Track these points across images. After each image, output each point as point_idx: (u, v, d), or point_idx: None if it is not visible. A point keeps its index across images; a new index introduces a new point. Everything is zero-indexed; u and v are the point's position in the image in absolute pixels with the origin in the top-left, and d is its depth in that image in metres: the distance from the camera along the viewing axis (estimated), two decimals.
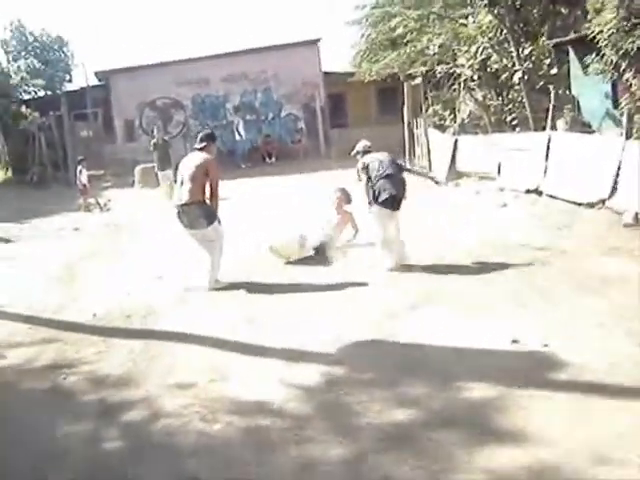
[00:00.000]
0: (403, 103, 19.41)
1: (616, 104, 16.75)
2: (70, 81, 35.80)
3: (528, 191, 12.45)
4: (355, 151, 9.08)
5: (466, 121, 15.08)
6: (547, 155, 12.10)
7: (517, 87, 13.44)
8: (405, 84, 18.61)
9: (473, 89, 14.47)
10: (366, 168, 8.49)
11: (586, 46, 15.28)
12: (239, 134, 26.29)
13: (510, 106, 13.93)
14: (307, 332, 6.39)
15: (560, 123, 13.66)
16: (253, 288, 8.18)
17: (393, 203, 8.43)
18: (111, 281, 9.22)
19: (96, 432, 4.75)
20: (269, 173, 22.59)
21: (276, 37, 63.32)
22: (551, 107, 12.60)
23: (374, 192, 8.39)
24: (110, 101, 27.26)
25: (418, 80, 19.59)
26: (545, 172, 12.12)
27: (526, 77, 12.90)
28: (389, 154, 8.84)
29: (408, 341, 6.02)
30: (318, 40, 27.39)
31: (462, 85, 15.15)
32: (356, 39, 29.63)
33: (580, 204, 10.98)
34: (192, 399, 5.11)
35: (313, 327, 6.55)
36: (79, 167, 18.04)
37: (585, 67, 15.84)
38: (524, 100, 13.26)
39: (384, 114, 27.97)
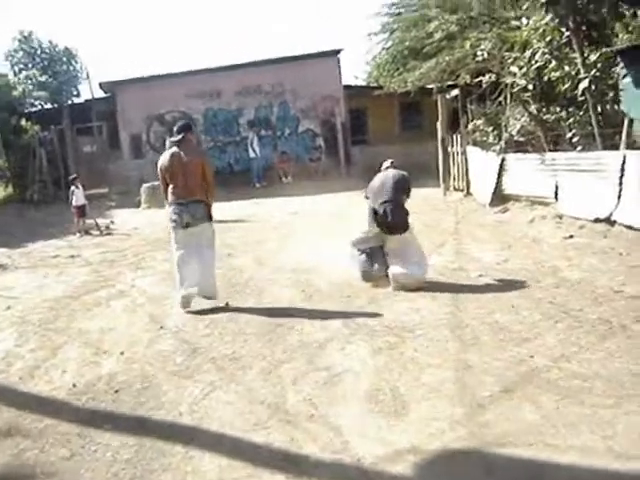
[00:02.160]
0: (437, 118, 17.57)
1: None
2: (78, 95, 34.25)
3: (597, 220, 10.50)
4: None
5: (515, 138, 13.14)
6: (621, 178, 10.16)
7: (581, 99, 11.47)
8: (439, 97, 16.77)
9: (526, 101, 12.53)
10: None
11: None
12: (253, 151, 24.32)
13: (571, 120, 11.99)
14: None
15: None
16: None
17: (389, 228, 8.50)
18: (101, 330, 7.49)
19: None
20: (286, 194, 20.78)
21: (293, 48, 61.75)
22: (626, 122, 10.69)
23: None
24: (116, 114, 25.45)
25: (455, 92, 17.81)
26: (619, 198, 10.19)
27: (593, 87, 10.96)
28: (398, 174, 8.81)
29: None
30: (339, 51, 25.60)
31: (511, 97, 13.21)
32: (376, 49, 27.97)
33: None
34: None
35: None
36: (72, 187, 16.25)
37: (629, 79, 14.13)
38: (590, 113, 11.33)
39: (407, 130, 26.31)
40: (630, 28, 15.28)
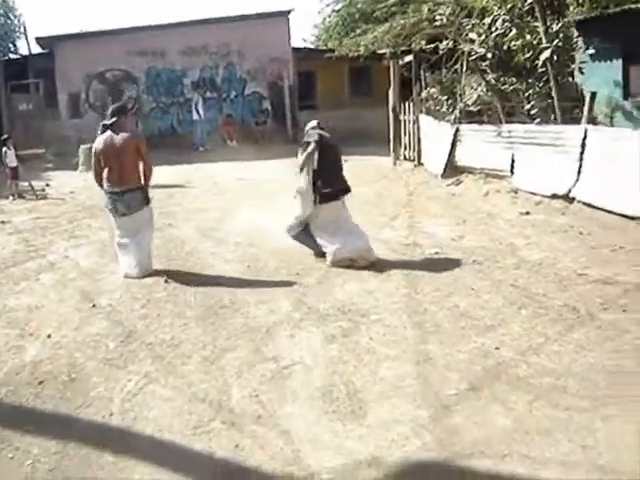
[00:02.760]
0: (388, 84, 17.04)
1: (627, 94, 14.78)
2: (16, 51, 32.72)
3: (555, 196, 10.15)
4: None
5: (471, 108, 12.68)
6: (582, 154, 9.81)
7: (541, 70, 11.03)
8: (392, 62, 16.25)
9: (484, 70, 12.04)
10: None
11: (595, 27, 13.25)
12: (197, 113, 23.39)
13: (530, 92, 11.56)
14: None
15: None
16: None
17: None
18: (28, 307, 6.89)
19: None
20: (231, 158, 20.03)
21: (242, 7, 60.24)
22: (589, 96, 10.30)
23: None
24: (54, 72, 24.20)
25: (408, 58, 17.25)
26: (579, 174, 9.85)
27: (555, 58, 10.52)
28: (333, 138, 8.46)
29: None
30: (289, 12, 24.77)
31: (467, 65, 12.71)
32: (326, 11, 27.23)
33: (633, 217, 8.74)
34: None
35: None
36: (3, 148, 15.29)
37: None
38: (550, 85, 10.91)
39: (357, 96, 25.69)
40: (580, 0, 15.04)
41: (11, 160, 15.20)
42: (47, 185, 16.66)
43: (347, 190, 8.08)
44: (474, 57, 12.04)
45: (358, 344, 5.43)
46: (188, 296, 6.92)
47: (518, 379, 4.70)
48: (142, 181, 7.70)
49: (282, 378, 4.87)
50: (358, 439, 4.01)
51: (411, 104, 15.66)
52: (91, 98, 24.44)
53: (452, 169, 13.35)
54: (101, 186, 7.81)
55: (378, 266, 7.69)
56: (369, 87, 25.76)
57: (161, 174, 17.57)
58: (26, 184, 15.66)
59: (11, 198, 14.91)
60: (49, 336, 6.00)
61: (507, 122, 11.88)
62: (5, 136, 16.16)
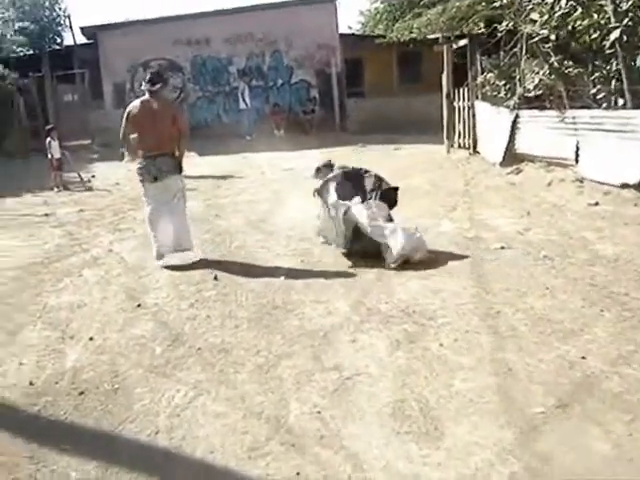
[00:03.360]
0: (438, 70, 16.44)
1: None
2: (61, 42, 32.66)
3: (625, 185, 9.47)
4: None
5: (532, 93, 12.00)
6: None
7: (609, 51, 10.32)
8: (445, 47, 15.59)
9: (547, 53, 11.35)
10: None
11: None
12: (244, 102, 23.02)
13: (596, 75, 10.84)
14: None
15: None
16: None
17: None
18: (70, 306, 6.52)
19: None
20: (278, 148, 19.60)
21: None
22: None
23: None
24: (98, 62, 24.00)
25: (463, 42, 16.57)
26: None
27: (625, 38, 9.80)
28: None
29: None
30: None
31: (527, 48, 12.02)
32: None
33: None
34: None
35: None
36: (48, 138, 15.05)
37: None
38: (619, 67, 10.20)
39: (406, 82, 25.00)
40: None
41: (55, 151, 14.94)
42: (92, 176, 16.43)
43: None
44: (536, 39, 11.33)
45: (427, 351, 4.91)
46: (239, 295, 6.47)
47: (612, 395, 4.13)
48: (176, 150, 7.59)
49: (345, 391, 4.38)
50: (437, 467, 3.50)
51: (466, 90, 15.01)
52: (136, 88, 24.13)
53: (511, 157, 12.70)
54: (129, 149, 7.84)
55: (441, 262, 7.16)
56: (419, 74, 25.10)
57: (207, 164, 17.34)
58: (73, 174, 15.44)
59: (56, 189, 14.68)
60: (91, 339, 5.61)
61: (571, 107, 11.16)
62: (49, 126, 15.93)
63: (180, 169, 7.64)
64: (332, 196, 7.59)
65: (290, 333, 5.42)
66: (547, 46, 11.41)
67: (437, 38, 19.16)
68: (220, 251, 8.28)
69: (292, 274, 7.06)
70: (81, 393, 4.59)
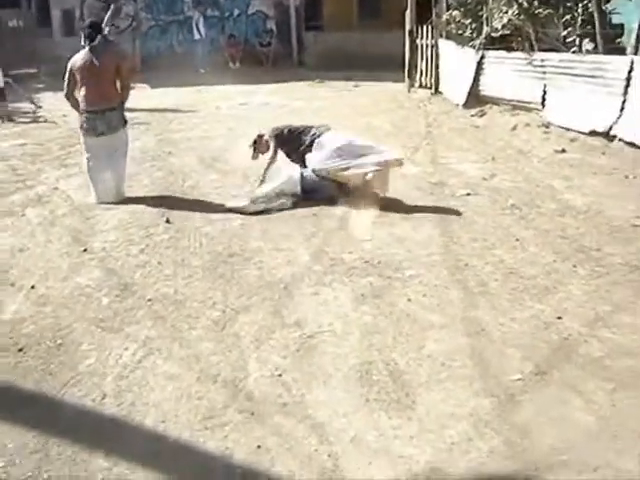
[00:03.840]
0: (399, 7, 15.91)
1: None
2: None
3: (593, 133, 9.22)
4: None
5: (499, 33, 11.61)
6: (627, 88, 8.85)
7: None
8: None
9: None
10: None
11: None
12: (198, 32, 22.17)
13: (567, 17, 10.48)
14: None
15: (586, 42, 10.44)
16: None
17: None
18: (11, 250, 6.07)
19: None
20: (233, 81, 18.93)
21: None
22: (636, 24, 9.25)
23: None
24: None
25: None
26: (622, 110, 8.90)
27: None
28: None
29: None
30: None
31: None
32: None
33: None
34: None
35: None
36: None
37: None
38: (592, 10, 9.84)
39: (366, 18, 24.22)
40: None
41: None
42: (39, 107, 15.59)
43: None
44: None
45: (395, 307, 4.62)
46: (192, 241, 6.09)
47: (592, 360, 3.90)
48: (121, 101, 7.44)
49: (308, 351, 4.07)
50: (409, 441, 3.22)
51: (430, 28, 14.52)
52: (86, 15, 22.99)
53: (475, 99, 12.37)
54: (73, 105, 7.46)
55: (405, 208, 6.86)
56: (379, 9, 24.37)
57: (160, 97, 16.68)
58: (17, 105, 14.67)
59: None
60: (33, 287, 5.19)
61: (539, 50, 10.82)
62: None
63: (125, 121, 7.53)
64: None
65: (248, 284, 5.07)
66: None
67: None
68: (172, 191, 7.85)
69: (249, 219, 6.68)
70: (20, 350, 4.20)
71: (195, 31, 22.23)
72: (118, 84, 7.38)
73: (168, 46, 23.65)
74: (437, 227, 6.29)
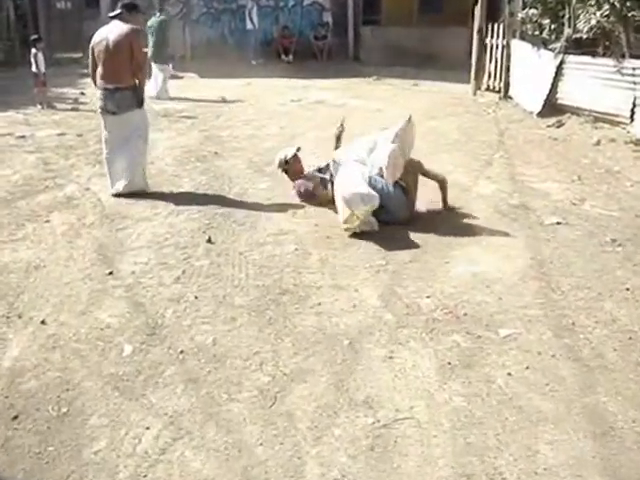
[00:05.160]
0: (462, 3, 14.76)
1: None
2: None
3: None
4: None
5: (585, 36, 10.44)
6: None
7: None
8: None
9: None
10: None
11: None
12: (251, 22, 21.11)
13: None
14: None
15: None
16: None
17: None
18: (26, 267, 5.19)
19: None
20: (286, 75, 17.95)
21: None
22: None
23: None
24: None
25: None
26: None
27: None
28: None
29: None
30: None
31: None
32: None
33: None
34: None
35: None
36: (33, 50, 13.39)
37: None
38: None
39: (427, 13, 22.96)
40: None
41: (41, 64, 13.30)
42: (82, 94, 14.79)
43: None
44: None
45: (492, 385, 3.60)
46: (237, 270, 5.13)
47: None
48: (136, 81, 7.03)
49: (385, 449, 3.08)
50: None
51: (501, 26, 13.37)
52: None
53: (551, 107, 11.20)
54: (95, 84, 7.23)
55: (486, 237, 5.85)
56: (440, 4, 23.15)
57: (208, 88, 15.77)
58: (60, 90, 13.90)
59: (39, 107, 13.12)
60: (43, 322, 4.29)
61: (631, 57, 9.65)
62: (34, 36, 14.23)
63: (141, 102, 7.11)
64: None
65: (304, 337, 4.09)
66: None
67: None
68: (216, 201, 6.91)
69: (304, 243, 5.70)
70: (15, 418, 3.29)
71: (248, 21, 21.19)
72: (134, 65, 6.96)
73: (219, 35, 22.66)
74: (528, 266, 5.26)
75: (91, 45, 7.07)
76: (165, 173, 8.11)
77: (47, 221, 6.38)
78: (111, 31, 6.90)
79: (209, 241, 5.68)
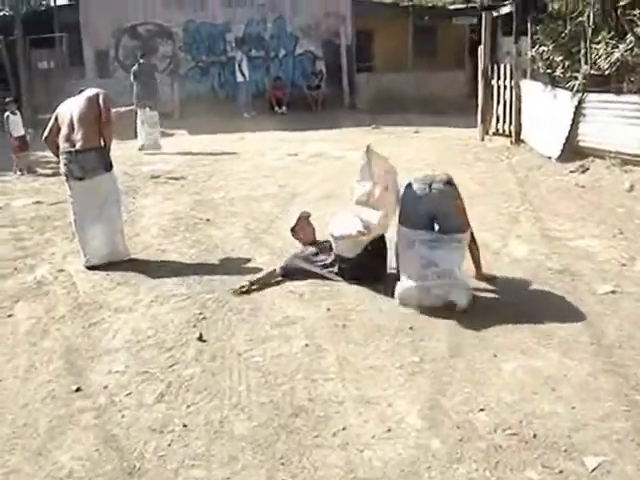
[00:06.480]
0: (453, 45, 14.01)
1: None
2: (43, 4, 29.76)
3: None
4: None
5: (605, 72, 9.58)
6: None
7: None
8: (484, 14, 13.10)
9: (632, 20, 8.90)
10: None
11: None
12: (242, 74, 20.36)
13: None
14: None
15: None
16: None
17: None
18: None
19: None
20: (280, 127, 17.13)
21: None
22: None
23: None
24: (79, 25, 21.29)
25: (508, 9, 13.94)
26: None
27: None
28: None
29: None
30: None
31: (606, 15, 9.55)
32: None
33: None
34: None
35: None
36: (6, 113, 12.61)
37: None
38: None
39: (420, 57, 22.37)
40: None
41: (16, 128, 12.46)
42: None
43: None
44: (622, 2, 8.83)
45: None
46: (236, 379, 4.11)
47: None
48: (102, 141, 6.61)
49: None
50: None
51: (507, 66, 12.55)
52: (121, 56, 21.52)
53: (571, 151, 10.29)
54: (52, 150, 6.84)
55: (533, 316, 4.85)
56: (434, 47, 22.62)
57: (199, 145, 14.91)
58: (41, 154, 13.02)
59: (19, 173, 12.28)
60: None
61: None
62: (9, 98, 13.45)
63: (109, 166, 6.67)
64: None
65: None
66: (634, 12, 8.91)
67: (459, 9, 16.76)
68: (209, 282, 5.91)
69: (316, 335, 4.69)
70: None
71: (238, 73, 20.46)
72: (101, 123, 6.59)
73: (209, 89, 21.95)
74: (594, 354, 4.25)
75: (55, 112, 6.76)
76: (150, 248, 7.15)
77: (10, 315, 5.42)
78: (77, 98, 6.72)
79: (200, 338, 4.68)
